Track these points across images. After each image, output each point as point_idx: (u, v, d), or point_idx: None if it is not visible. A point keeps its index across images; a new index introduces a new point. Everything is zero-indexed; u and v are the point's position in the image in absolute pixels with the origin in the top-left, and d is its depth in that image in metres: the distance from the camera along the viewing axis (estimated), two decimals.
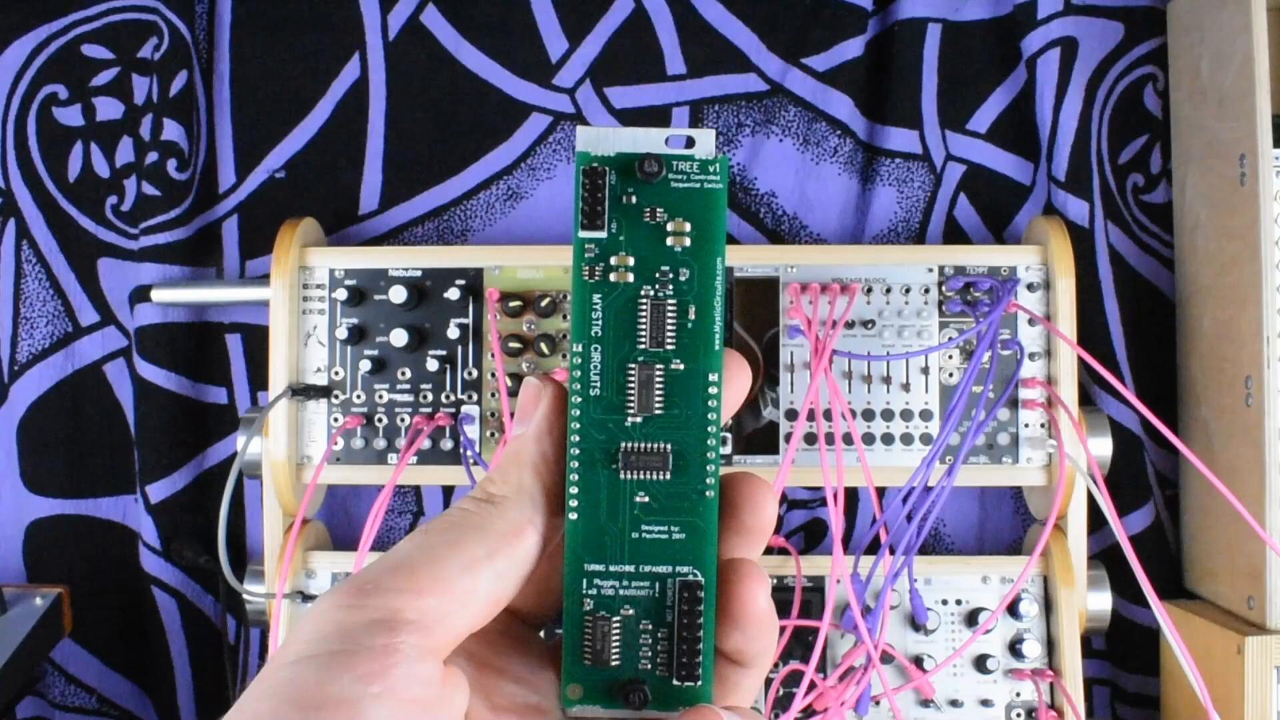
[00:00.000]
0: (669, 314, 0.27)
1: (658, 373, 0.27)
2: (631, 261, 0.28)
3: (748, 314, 0.70)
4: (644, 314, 0.27)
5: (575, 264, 0.28)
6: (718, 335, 0.28)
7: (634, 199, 0.28)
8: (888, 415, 0.70)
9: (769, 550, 0.71)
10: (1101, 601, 0.70)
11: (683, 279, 0.28)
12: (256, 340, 0.78)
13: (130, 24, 0.79)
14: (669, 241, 0.28)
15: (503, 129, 0.79)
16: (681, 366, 0.27)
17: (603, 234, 0.28)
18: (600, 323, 0.27)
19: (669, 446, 0.27)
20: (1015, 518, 0.79)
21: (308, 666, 0.23)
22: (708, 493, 0.27)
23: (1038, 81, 0.76)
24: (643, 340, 0.27)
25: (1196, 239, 0.73)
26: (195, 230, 0.78)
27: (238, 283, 0.76)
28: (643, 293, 0.28)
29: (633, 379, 0.27)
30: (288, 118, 0.79)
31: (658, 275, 0.28)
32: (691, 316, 0.28)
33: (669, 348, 0.27)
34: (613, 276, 0.28)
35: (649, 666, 0.27)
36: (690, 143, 0.28)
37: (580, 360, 0.27)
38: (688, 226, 0.28)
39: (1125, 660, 0.78)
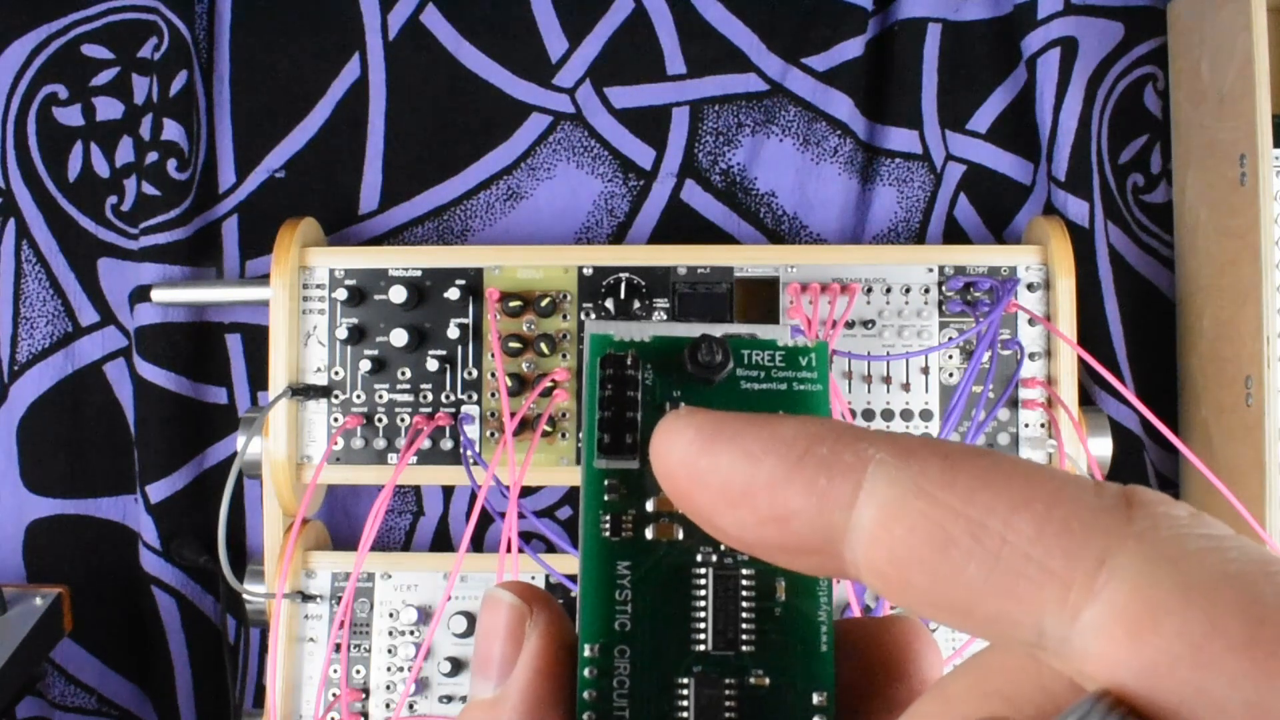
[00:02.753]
0: (744, 593, 0.18)
1: (727, 693, 0.18)
2: None
3: (748, 315, 0.70)
4: (702, 593, 0.18)
5: (587, 510, 0.18)
6: (824, 628, 0.18)
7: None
8: (888, 415, 0.70)
9: None
10: None
11: None
12: (256, 340, 0.78)
13: (130, 24, 0.79)
14: None
15: (503, 129, 0.79)
16: (766, 682, 0.18)
17: (634, 463, 0.18)
18: (629, 611, 0.18)
19: None
20: None
21: None
22: None
23: (1038, 81, 0.76)
24: (701, 637, 0.18)
25: (1196, 239, 0.73)
26: (195, 230, 0.78)
27: (238, 283, 0.76)
28: (699, 558, 0.18)
29: (685, 705, 0.17)
30: (288, 118, 0.79)
31: None
32: (781, 597, 0.18)
33: (745, 650, 0.18)
34: (650, 532, 0.18)
35: None
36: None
37: (596, 672, 0.17)
38: None
39: None
